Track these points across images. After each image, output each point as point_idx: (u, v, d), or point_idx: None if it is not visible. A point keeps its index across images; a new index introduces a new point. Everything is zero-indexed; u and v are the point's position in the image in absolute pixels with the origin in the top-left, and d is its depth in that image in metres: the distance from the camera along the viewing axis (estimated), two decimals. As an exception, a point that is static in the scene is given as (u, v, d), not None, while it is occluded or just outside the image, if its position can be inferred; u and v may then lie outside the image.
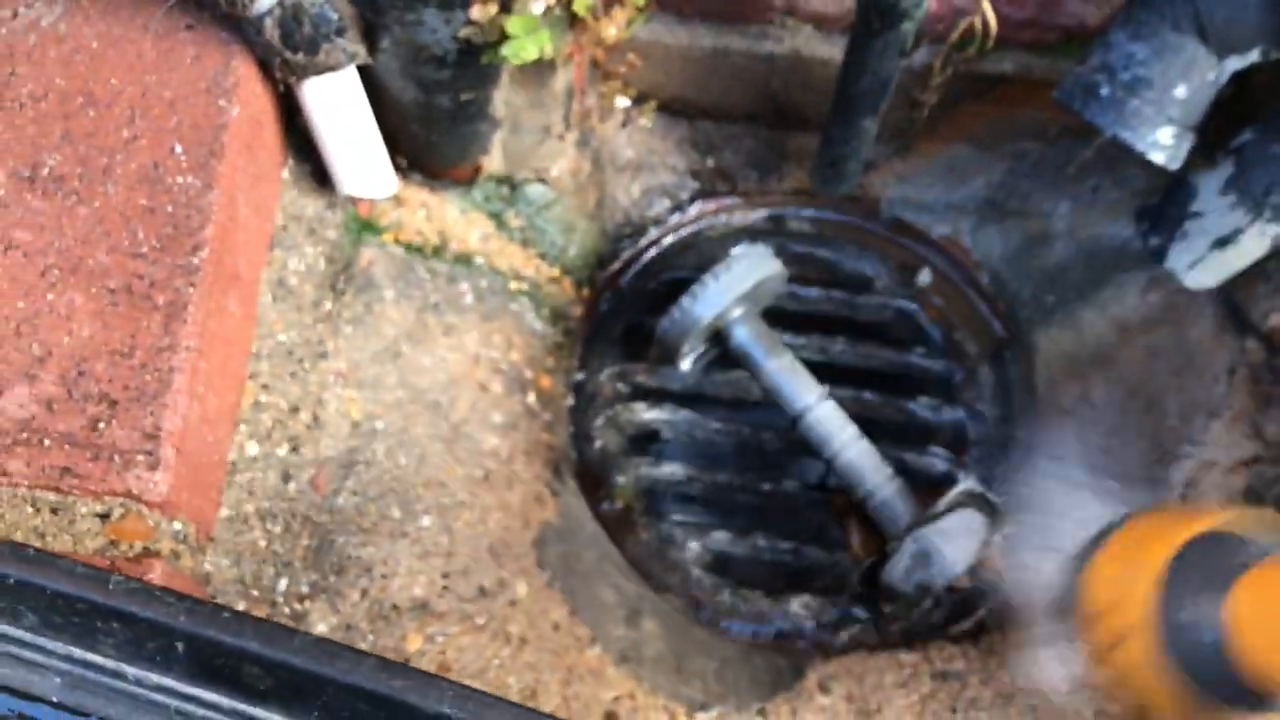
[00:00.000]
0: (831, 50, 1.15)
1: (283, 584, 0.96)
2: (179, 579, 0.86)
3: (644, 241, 1.35)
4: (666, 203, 1.34)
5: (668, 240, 1.36)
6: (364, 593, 0.98)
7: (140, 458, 0.82)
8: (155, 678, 0.69)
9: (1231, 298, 1.15)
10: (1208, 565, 0.75)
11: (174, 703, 0.70)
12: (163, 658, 0.66)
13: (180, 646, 0.65)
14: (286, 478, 0.98)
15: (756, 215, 1.37)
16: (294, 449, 0.99)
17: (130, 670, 0.69)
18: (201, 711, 0.70)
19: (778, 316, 1.31)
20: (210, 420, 0.90)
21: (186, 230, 0.88)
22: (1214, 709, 0.75)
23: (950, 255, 1.35)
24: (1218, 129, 1.09)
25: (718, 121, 1.29)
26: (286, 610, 0.95)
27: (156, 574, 0.82)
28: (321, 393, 1.02)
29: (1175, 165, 1.04)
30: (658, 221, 1.35)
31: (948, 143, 1.29)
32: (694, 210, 1.36)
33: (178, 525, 0.85)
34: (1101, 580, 0.80)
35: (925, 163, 1.31)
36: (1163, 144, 1.02)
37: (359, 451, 1.03)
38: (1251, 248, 1.08)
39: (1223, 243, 1.08)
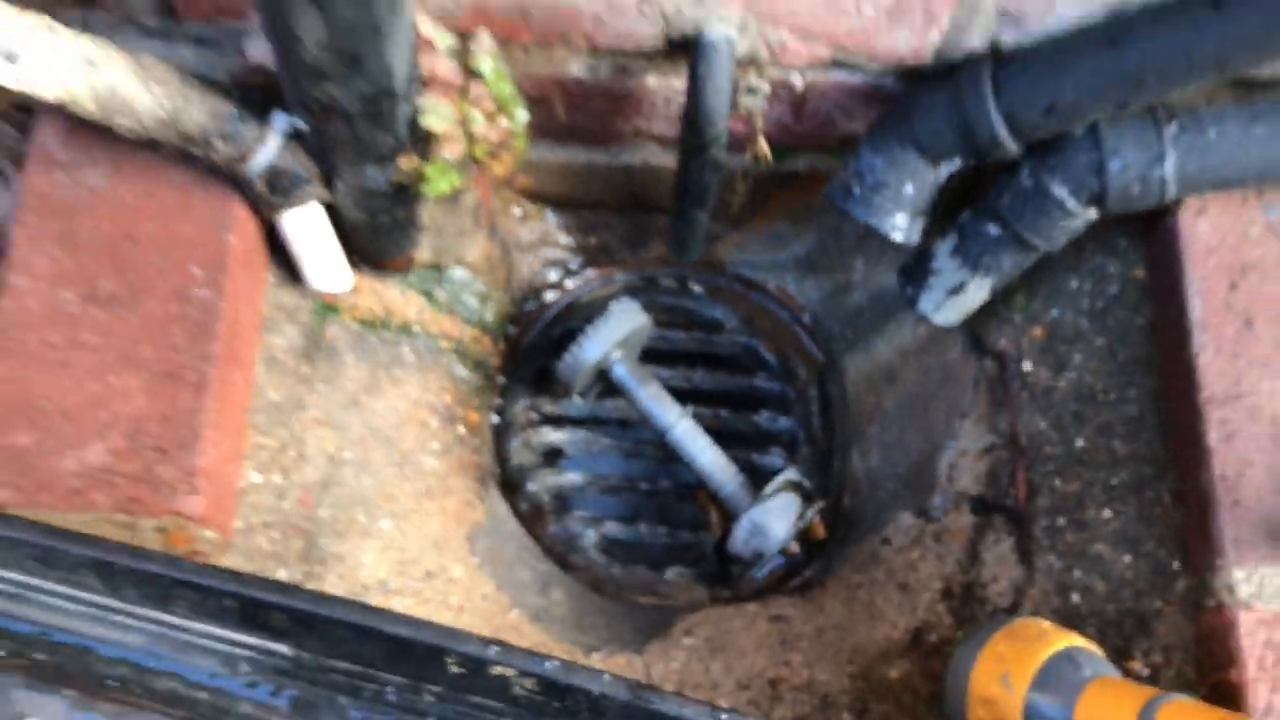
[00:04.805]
0: (672, 160, 1.55)
1: (281, 574, 1.33)
2: (213, 571, 1.23)
3: (545, 302, 1.74)
4: (560, 272, 1.74)
5: (564, 301, 1.75)
6: (341, 577, 1.36)
7: (184, 488, 1.20)
8: (214, 629, 1.06)
9: (974, 329, 1.55)
10: (1061, 677, 1.14)
11: (225, 648, 1.07)
12: (219, 612, 1.04)
13: (228, 603, 1.02)
14: (281, 497, 1.36)
15: (631, 277, 1.77)
16: (285, 476, 1.37)
17: (196, 625, 1.07)
18: (243, 653, 1.07)
19: (652, 354, 1.71)
20: (226, 459, 1.28)
21: (205, 329, 1.26)
22: None
23: (782, 301, 1.76)
24: (956, 208, 1.49)
25: (595, 210, 1.69)
26: (286, 592, 1.33)
27: (199, 566, 1.20)
28: (304, 434, 1.40)
29: (912, 241, 1.44)
30: (554, 287, 1.74)
31: (771, 219, 1.69)
32: (583, 277, 1.75)
33: (209, 534, 1.23)
34: (987, 676, 1.18)
35: (756, 234, 1.71)
36: (899, 227, 1.42)
37: (333, 476, 1.41)
38: (975, 294, 1.48)
39: (954, 291, 1.48)
